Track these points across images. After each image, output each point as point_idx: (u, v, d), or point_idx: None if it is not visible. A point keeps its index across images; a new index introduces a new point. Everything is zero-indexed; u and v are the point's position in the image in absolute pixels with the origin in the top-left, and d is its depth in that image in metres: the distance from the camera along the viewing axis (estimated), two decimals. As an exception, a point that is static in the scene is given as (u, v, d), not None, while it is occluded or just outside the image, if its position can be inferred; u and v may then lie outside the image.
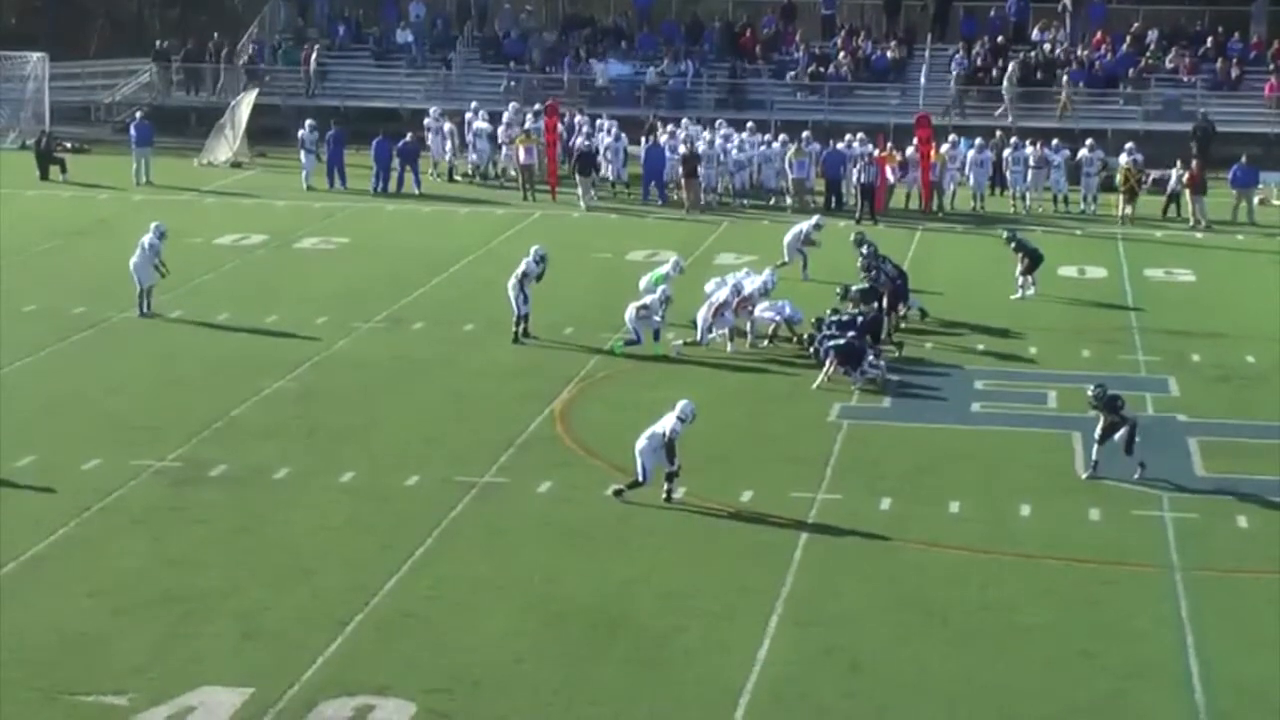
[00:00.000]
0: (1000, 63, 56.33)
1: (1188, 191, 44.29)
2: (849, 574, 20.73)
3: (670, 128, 48.80)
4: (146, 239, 33.02)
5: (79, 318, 32.36)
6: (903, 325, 31.92)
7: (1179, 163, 45.73)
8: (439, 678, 17.74)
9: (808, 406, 27.47)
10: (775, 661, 18.26)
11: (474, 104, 51.27)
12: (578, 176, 46.17)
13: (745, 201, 46.32)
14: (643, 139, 48.17)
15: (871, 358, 28.68)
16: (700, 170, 45.49)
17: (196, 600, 19.60)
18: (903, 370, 29.43)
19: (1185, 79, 55.40)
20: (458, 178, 49.53)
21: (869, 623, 19.29)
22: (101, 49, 67.00)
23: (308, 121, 49.17)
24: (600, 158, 47.41)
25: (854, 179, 45.20)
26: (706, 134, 47.57)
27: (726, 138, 47.38)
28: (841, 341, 28.65)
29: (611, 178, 47.75)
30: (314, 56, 58.94)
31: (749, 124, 48.92)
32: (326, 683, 17.60)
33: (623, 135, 48.02)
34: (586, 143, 47.59)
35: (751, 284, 31.30)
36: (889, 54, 57.87)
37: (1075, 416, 26.81)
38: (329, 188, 47.44)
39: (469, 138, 49.78)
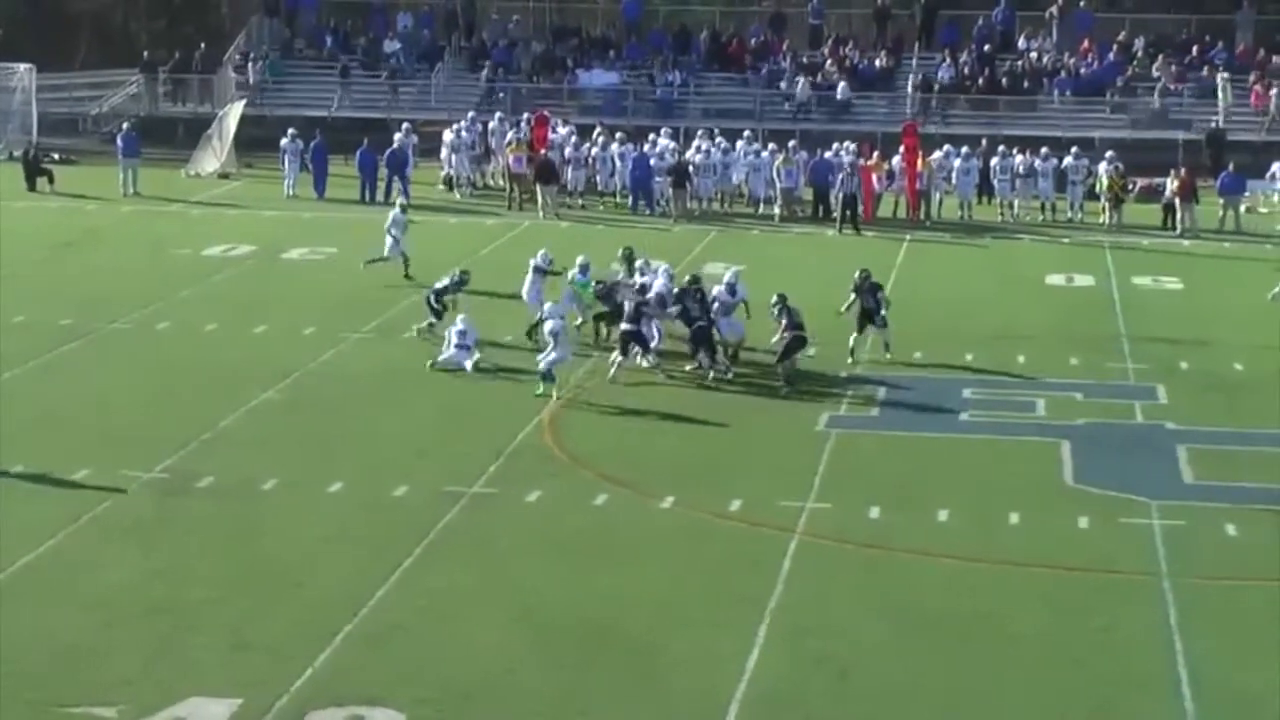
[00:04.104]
0: (987, 71, 56.47)
1: (1178, 199, 44.39)
2: (838, 583, 20.74)
3: (652, 136, 48.78)
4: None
5: (67, 329, 32.30)
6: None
7: (1172, 171, 45.82)
8: (428, 688, 17.72)
9: (795, 415, 27.49)
10: (765, 671, 18.26)
11: (471, 114, 51.33)
12: (538, 186, 46.19)
13: (715, 205, 46.36)
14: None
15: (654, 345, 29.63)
16: (690, 180, 45.66)
17: (186, 611, 19.57)
18: (891, 379, 29.48)
19: (1172, 87, 55.56)
20: (439, 186, 49.48)
21: (859, 632, 19.29)
22: (88, 60, 66.97)
23: (290, 131, 49.31)
24: (564, 167, 47.41)
25: (836, 189, 44.96)
26: (699, 142, 47.54)
27: (722, 148, 47.28)
28: (628, 326, 29.18)
29: (601, 188, 47.94)
30: (258, 66, 59.17)
31: (746, 132, 48.83)
32: (316, 693, 17.58)
33: (611, 145, 48.05)
34: (548, 152, 47.54)
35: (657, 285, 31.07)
36: (877, 63, 57.97)
37: (1064, 424, 26.91)
38: (318, 197, 47.61)
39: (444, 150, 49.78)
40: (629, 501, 23.24)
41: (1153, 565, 21.39)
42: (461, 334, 29.78)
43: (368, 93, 59.00)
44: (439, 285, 32.02)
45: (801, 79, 56.58)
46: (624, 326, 29.44)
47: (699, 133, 49.15)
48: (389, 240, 37.07)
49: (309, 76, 60.53)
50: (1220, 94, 54.50)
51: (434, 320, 31.50)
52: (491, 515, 22.87)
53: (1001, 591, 20.54)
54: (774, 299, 29.50)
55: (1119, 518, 22.96)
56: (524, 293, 32.60)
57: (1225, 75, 54.97)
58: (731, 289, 30.41)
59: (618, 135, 48.55)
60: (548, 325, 28.78)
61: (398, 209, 38.54)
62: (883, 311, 30.68)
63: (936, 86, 56.12)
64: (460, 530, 22.33)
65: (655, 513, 23.02)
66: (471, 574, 20.84)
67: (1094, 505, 23.42)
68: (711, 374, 29.16)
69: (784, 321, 29.12)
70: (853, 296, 30.76)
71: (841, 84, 56.52)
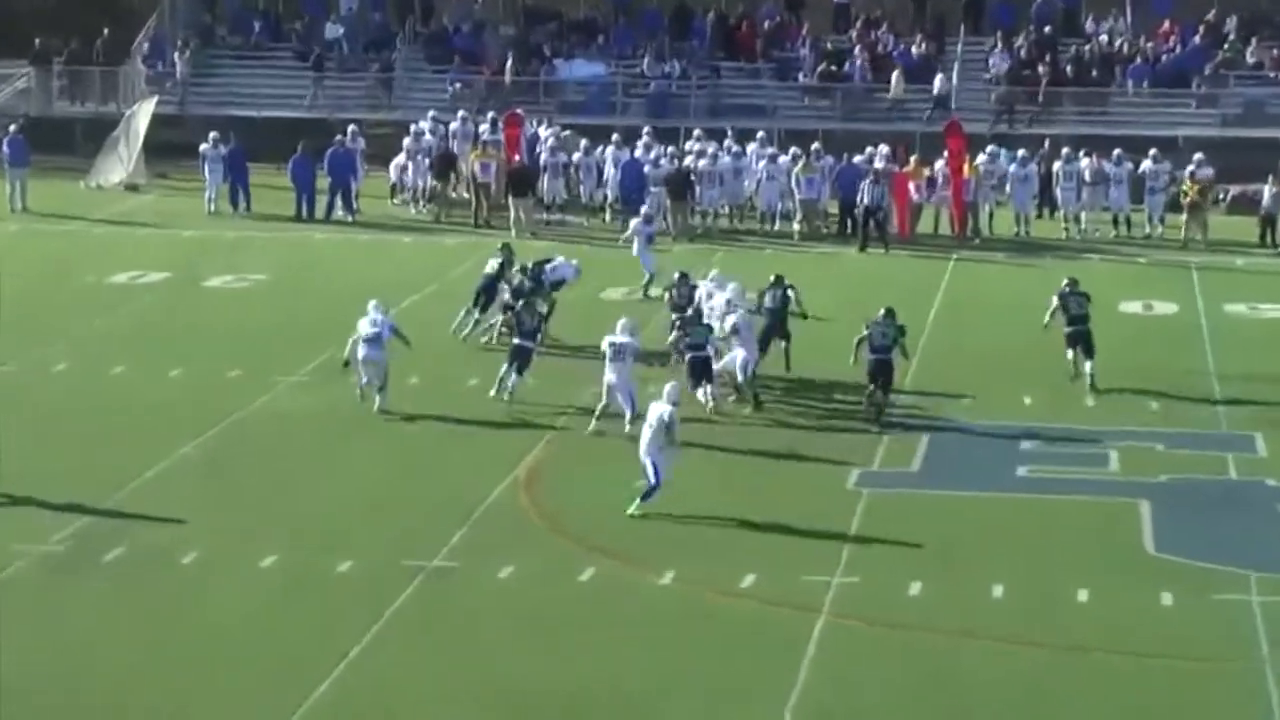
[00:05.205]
0: (1049, 59, 56.47)
1: (1288, 211, 44.54)
2: (872, 670, 20.81)
3: (645, 139, 48.81)
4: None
5: (-56, 373, 32.47)
6: None
7: (1270, 177, 45.81)
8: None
9: (820, 471, 27.57)
10: (785, 777, 18.37)
11: (432, 113, 51.47)
12: (511, 198, 46.34)
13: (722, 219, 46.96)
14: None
15: None
16: (692, 190, 45.84)
17: (86, 714, 19.58)
18: (934, 428, 29.59)
19: (1271, 75, 55.73)
20: (394, 200, 49.59)
21: (897, 730, 19.42)
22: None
23: (211, 135, 49.21)
24: (542, 176, 47.68)
25: (859, 200, 44.79)
26: (701, 145, 47.67)
27: (731, 153, 47.42)
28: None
29: (585, 200, 48.08)
30: (185, 56, 59.37)
31: (760, 134, 49.01)
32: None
33: (597, 148, 48.17)
34: (523, 159, 47.77)
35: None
36: (915, 50, 58.04)
37: (1143, 481, 26.98)
38: (232, 212, 47.79)
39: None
40: (621, 577, 23.30)
41: (1252, 650, 21.43)
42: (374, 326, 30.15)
43: (299, 88, 59.06)
44: (488, 272, 34.53)
45: (896, 73, 56.51)
46: (515, 342, 30.79)
47: (695, 134, 49.34)
48: (639, 250, 39.18)
49: (233, 69, 60.67)
50: None
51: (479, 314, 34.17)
52: (455, 594, 22.92)
53: (1066, 682, 20.59)
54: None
55: (1210, 593, 23.00)
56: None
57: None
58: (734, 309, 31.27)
59: (613, 137, 48.68)
60: (730, 320, 30.59)
61: (640, 219, 40.37)
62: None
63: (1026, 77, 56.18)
64: (417, 612, 22.36)
65: (652, 590, 23.08)
66: (430, 663, 20.86)
67: (1180, 578, 23.48)
68: (710, 406, 29.93)
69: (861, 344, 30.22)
70: (1054, 303, 32.25)
71: (939, 76, 56.33)
